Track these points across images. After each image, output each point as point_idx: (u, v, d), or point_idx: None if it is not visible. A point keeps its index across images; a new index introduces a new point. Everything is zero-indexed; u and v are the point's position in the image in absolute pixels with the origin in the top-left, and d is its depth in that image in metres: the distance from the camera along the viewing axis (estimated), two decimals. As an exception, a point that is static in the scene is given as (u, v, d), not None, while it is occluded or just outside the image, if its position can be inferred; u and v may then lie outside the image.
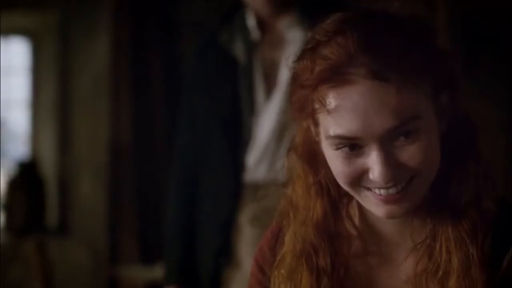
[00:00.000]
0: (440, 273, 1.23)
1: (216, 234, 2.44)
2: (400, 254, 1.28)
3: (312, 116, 1.22)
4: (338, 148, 1.19)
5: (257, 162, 2.39)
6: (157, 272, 4.32)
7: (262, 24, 2.43)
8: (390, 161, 1.17)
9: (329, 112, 1.17)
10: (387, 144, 1.17)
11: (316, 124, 1.23)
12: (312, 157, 1.29)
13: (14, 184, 5.35)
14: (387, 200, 1.19)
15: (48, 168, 5.53)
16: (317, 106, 1.19)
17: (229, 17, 2.50)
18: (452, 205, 1.24)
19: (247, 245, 2.35)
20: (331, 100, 1.16)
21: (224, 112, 2.43)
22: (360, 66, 1.14)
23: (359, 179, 1.20)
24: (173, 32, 5.20)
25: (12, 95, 5.62)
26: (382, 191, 1.19)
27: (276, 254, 1.34)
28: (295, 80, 1.23)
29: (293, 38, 2.37)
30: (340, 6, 1.32)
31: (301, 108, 1.22)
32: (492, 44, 3.84)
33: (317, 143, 1.26)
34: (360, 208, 1.30)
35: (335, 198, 1.30)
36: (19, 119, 5.76)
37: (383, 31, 1.17)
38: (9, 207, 5.36)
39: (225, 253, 2.43)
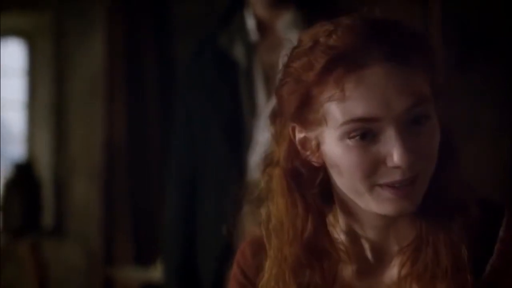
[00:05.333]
0: (427, 276, 1.22)
1: (219, 236, 2.43)
2: (385, 260, 1.28)
3: (308, 117, 1.21)
4: (350, 137, 1.17)
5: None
6: (152, 273, 4.32)
7: (261, 26, 2.43)
8: (408, 144, 1.16)
9: (344, 97, 1.16)
10: (403, 128, 1.17)
11: (306, 129, 1.22)
12: (297, 173, 1.27)
13: (10, 185, 5.34)
14: (400, 194, 1.18)
15: (44, 169, 5.53)
16: (326, 96, 1.18)
17: (227, 18, 2.49)
18: (441, 209, 1.23)
19: None
20: (347, 85, 1.16)
21: (225, 115, 2.42)
22: (373, 49, 1.16)
23: (374, 173, 1.18)
24: (168, 32, 5.20)
25: (7, 96, 5.61)
26: (397, 180, 1.17)
27: (259, 260, 1.33)
28: (289, 79, 1.23)
29: (292, 40, 2.36)
30: (336, 7, 1.32)
31: (301, 105, 1.21)
32: (487, 44, 3.84)
33: (300, 157, 1.25)
34: (345, 218, 1.28)
35: (321, 213, 1.27)
36: (15, 120, 5.76)
37: (385, 22, 1.20)
38: (5, 208, 5.36)
39: (229, 255, 2.42)
